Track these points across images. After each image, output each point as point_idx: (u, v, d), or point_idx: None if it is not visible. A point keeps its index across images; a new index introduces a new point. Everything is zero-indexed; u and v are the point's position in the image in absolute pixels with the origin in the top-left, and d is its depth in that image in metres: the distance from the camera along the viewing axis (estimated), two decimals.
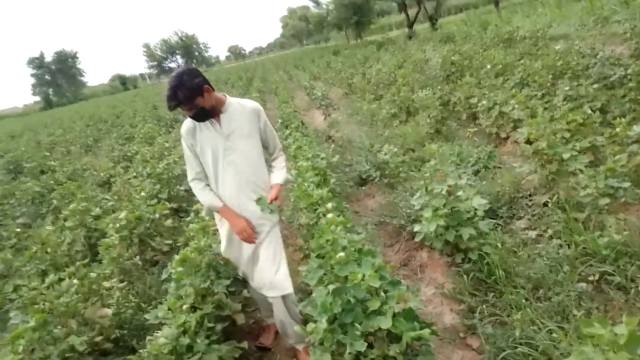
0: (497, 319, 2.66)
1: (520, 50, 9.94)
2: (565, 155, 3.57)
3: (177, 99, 2.38)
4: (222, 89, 23.71)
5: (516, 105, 5.39)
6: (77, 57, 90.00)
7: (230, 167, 2.61)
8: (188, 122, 2.59)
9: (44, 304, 3.05)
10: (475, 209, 3.19)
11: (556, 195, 3.56)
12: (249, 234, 2.62)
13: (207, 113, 2.51)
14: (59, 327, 2.96)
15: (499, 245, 3.10)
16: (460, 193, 3.28)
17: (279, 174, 2.78)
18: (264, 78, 26.80)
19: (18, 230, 5.92)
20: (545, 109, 5.15)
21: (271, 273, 2.64)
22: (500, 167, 4.71)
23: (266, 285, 2.66)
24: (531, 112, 5.13)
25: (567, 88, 5.49)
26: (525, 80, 6.92)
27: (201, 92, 2.42)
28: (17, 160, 12.84)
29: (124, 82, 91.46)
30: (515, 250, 3.14)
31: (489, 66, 8.42)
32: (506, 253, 3.09)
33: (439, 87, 8.09)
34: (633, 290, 2.54)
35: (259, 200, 2.63)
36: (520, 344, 2.29)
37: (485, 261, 3.00)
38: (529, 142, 4.29)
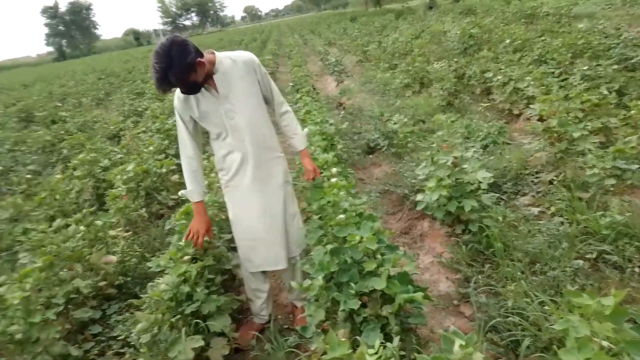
0: (491, 290, 2.70)
1: (541, 27, 9.68)
2: (576, 135, 3.53)
3: (170, 83, 2.12)
4: (235, 50, 23.37)
5: (532, 82, 5.31)
6: (91, 9, 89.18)
7: (236, 131, 2.39)
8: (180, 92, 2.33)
9: (51, 247, 3.14)
10: (480, 182, 3.19)
11: (562, 174, 3.55)
12: (197, 239, 2.52)
13: (200, 85, 2.27)
14: (65, 270, 3.06)
15: (500, 219, 3.12)
16: (465, 165, 3.28)
17: (298, 137, 2.60)
18: (278, 41, 26.40)
19: (28, 176, 6.03)
20: (560, 87, 5.06)
21: (297, 241, 2.63)
22: (509, 144, 4.68)
23: (289, 253, 2.63)
24: (546, 90, 5.04)
25: (585, 67, 5.37)
26: (543, 58, 6.77)
27: (194, 69, 2.15)
28: (29, 109, 12.93)
29: (137, 37, 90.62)
30: (516, 225, 3.15)
31: (508, 41, 8.23)
32: (507, 227, 3.11)
33: (455, 60, 7.95)
34: (629, 270, 2.56)
35: (307, 195, 2.58)
36: (512, 314, 2.34)
37: (485, 233, 3.03)
38: (541, 119, 4.24)
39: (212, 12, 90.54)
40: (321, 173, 3.59)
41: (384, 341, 1.83)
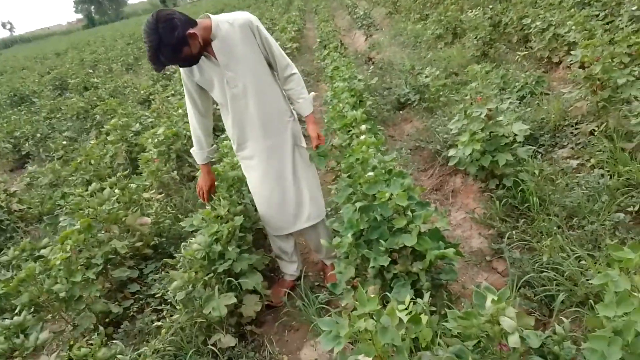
0: (525, 245, 2.63)
1: None
2: (621, 81, 3.30)
3: (161, 62, 2.07)
4: (261, 7, 23.00)
5: (573, 27, 4.96)
6: None
7: (238, 100, 2.31)
8: None
9: (88, 210, 3.24)
10: (515, 135, 3.05)
11: (604, 124, 3.35)
12: (203, 194, 2.68)
13: (197, 56, 2.18)
14: (103, 232, 3.17)
15: (537, 172, 3.00)
16: (500, 118, 3.14)
17: (303, 102, 2.44)
18: None
19: (65, 143, 6.21)
20: (605, 30, 4.71)
21: (311, 203, 2.58)
22: (548, 94, 4.44)
23: (304, 216, 2.59)
24: (589, 35, 4.71)
25: (634, 8, 4.96)
26: (587, 0, 6.30)
27: (185, 42, 2.05)
28: (62, 77, 13.20)
29: (163, 1, 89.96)
30: (553, 179, 3.03)
31: None
32: (543, 181, 2.99)
33: (490, 7, 7.52)
34: None
35: (311, 158, 2.47)
36: (547, 269, 2.27)
37: (520, 188, 2.92)
38: (582, 66, 3.98)
39: None
40: (349, 131, 3.54)
41: (414, 297, 1.82)
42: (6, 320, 2.34)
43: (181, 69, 2.30)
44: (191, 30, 2.06)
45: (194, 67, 2.26)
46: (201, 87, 2.36)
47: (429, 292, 1.87)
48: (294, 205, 2.55)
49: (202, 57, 2.22)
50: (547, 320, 2.15)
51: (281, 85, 2.45)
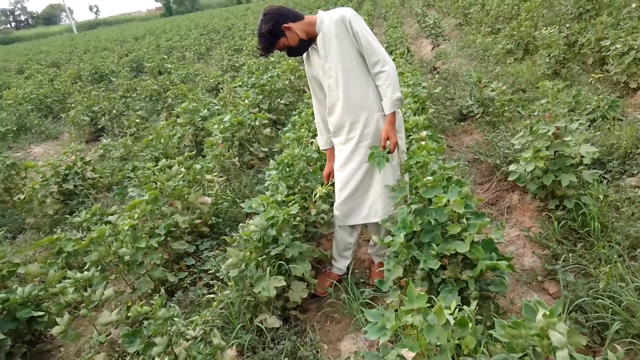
0: (581, 270, 2.56)
1: None
2: None
3: (260, 48, 2.43)
4: (329, 9, 23.17)
5: None
6: None
7: (332, 91, 2.49)
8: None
9: (155, 184, 3.47)
10: (582, 157, 2.97)
11: None
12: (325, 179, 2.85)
13: (299, 48, 2.46)
14: (167, 205, 3.38)
15: (601, 197, 2.90)
16: (568, 138, 3.06)
17: (384, 101, 2.41)
18: (374, 1, 25.68)
19: (137, 121, 6.61)
20: None
21: (383, 198, 2.60)
22: (621, 119, 4.25)
23: (373, 210, 2.62)
24: None
25: None
26: None
27: (281, 34, 2.37)
28: (139, 60, 13.97)
29: None
30: (619, 206, 2.92)
31: (634, 5, 7.30)
32: (607, 207, 2.89)
33: (567, 26, 7.24)
34: None
35: (371, 156, 2.38)
36: (602, 297, 2.21)
37: (581, 211, 2.84)
38: None
39: None
40: (409, 135, 3.56)
41: (460, 304, 1.84)
42: (77, 274, 2.55)
43: (305, 61, 2.60)
44: (286, 24, 2.35)
45: (309, 58, 2.55)
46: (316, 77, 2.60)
47: (477, 301, 1.88)
48: (366, 198, 2.63)
49: (312, 49, 2.50)
50: (598, 349, 2.09)
51: (373, 80, 2.47)
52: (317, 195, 2.85)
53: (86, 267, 2.80)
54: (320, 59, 2.45)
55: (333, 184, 2.77)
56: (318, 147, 3.07)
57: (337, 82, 2.45)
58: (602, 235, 2.71)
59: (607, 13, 7.62)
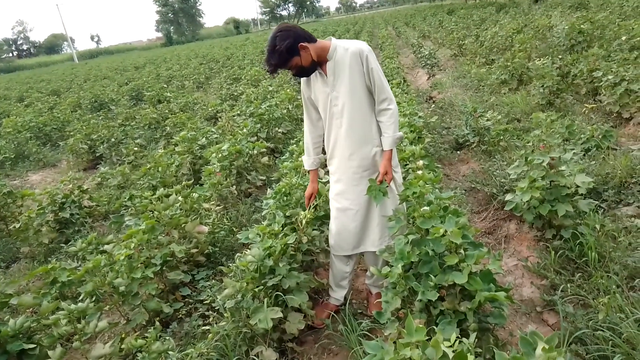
0: (580, 301, 2.54)
1: None
2: None
3: (272, 64, 2.34)
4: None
5: None
6: None
7: (335, 119, 2.50)
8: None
9: (152, 213, 3.46)
10: (577, 187, 2.99)
11: None
12: (306, 201, 2.82)
13: (309, 69, 2.43)
14: (164, 234, 3.36)
15: (598, 227, 2.91)
16: (563, 168, 3.09)
17: (385, 137, 2.47)
18: (371, 33, 26.27)
19: (136, 149, 6.64)
20: None
21: (379, 228, 2.62)
22: (615, 149, 4.30)
23: (370, 240, 2.65)
24: None
25: None
26: None
27: (296, 52, 2.32)
28: (139, 89, 14.14)
29: (237, 26, 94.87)
30: (616, 236, 2.92)
31: (624, 38, 7.49)
32: (604, 237, 2.90)
33: (560, 57, 7.41)
34: None
35: (369, 189, 2.42)
36: (602, 328, 2.19)
37: (578, 241, 2.85)
38: None
39: (308, 2, 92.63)
40: (406, 165, 3.58)
41: (459, 336, 1.82)
42: (71, 305, 2.52)
43: (302, 83, 2.60)
44: (303, 44, 2.33)
45: (310, 81, 2.56)
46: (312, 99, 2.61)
47: (475, 333, 1.86)
48: (363, 228, 2.63)
49: (317, 73, 2.49)
50: None
51: (376, 116, 2.53)
52: (304, 222, 2.79)
53: (80, 298, 2.77)
54: (325, 85, 2.47)
55: (316, 207, 2.78)
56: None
57: (342, 112, 2.47)
58: (599, 265, 2.70)
59: (598, 45, 7.83)
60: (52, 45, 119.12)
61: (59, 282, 2.97)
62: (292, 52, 2.31)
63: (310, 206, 2.83)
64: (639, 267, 2.59)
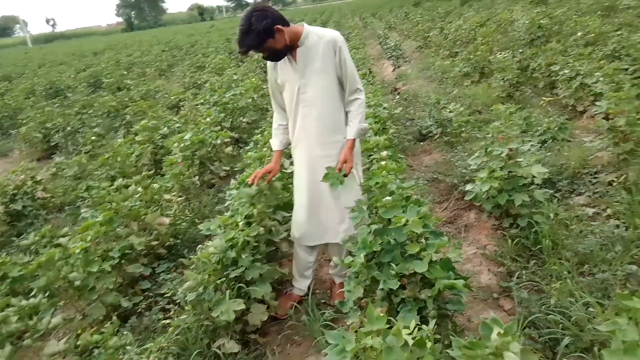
0: (534, 286, 2.64)
1: (620, 20, 9.04)
2: None
3: (246, 45, 2.28)
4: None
5: (601, 78, 5.00)
6: None
7: (304, 106, 2.48)
8: None
9: (110, 205, 3.35)
10: (534, 177, 3.09)
11: (624, 176, 3.37)
12: (254, 176, 2.69)
13: (282, 52, 2.37)
14: (122, 227, 3.27)
15: (552, 216, 3.02)
16: (520, 159, 3.18)
17: (351, 126, 2.49)
18: (338, 23, 26.23)
19: (93, 138, 6.39)
20: (633, 85, 4.75)
21: (344, 220, 2.61)
22: (570, 141, 4.47)
23: (333, 231, 2.63)
24: (617, 87, 4.75)
25: None
26: (617, 53, 6.34)
27: (271, 34, 2.26)
28: (97, 76, 13.63)
29: (201, 13, 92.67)
30: (568, 224, 3.04)
31: (580, 34, 7.77)
32: (557, 225, 3.01)
33: (520, 51, 7.62)
34: None
35: (326, 176, 2.42)
36: (554, 312, 2.28)
37: (534, 229, 2.95)
38: (607, 117, 4.02)
39: None
40: (370, 155, 3.61)
41: (419, 323, 1.85)
42: (22, 301, 2.41)
43: (268, 66, 2.54)
44: (279, 26, 2.27)
45: (277, 65, 2.49)
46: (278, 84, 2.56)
47: (435, 320, 1.90)
48: (327, 218, 2.62)
49: (286, 58, 2.43)
50: None
51: (345, 106, 2.54)
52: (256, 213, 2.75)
53: (33, 294, 2.66)
54: (295, 72, 2.43)
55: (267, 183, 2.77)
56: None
57: (313, 100, 2.46)
58: (553, 253, 2.81)
59: (556, 40, 8.08)
60: (3, 28, 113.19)
61: (10, 278, 2.84)
62: (268, 34, 2.26)
63: (258, 184, 2.72)
64: (588, 254, 2.71)
